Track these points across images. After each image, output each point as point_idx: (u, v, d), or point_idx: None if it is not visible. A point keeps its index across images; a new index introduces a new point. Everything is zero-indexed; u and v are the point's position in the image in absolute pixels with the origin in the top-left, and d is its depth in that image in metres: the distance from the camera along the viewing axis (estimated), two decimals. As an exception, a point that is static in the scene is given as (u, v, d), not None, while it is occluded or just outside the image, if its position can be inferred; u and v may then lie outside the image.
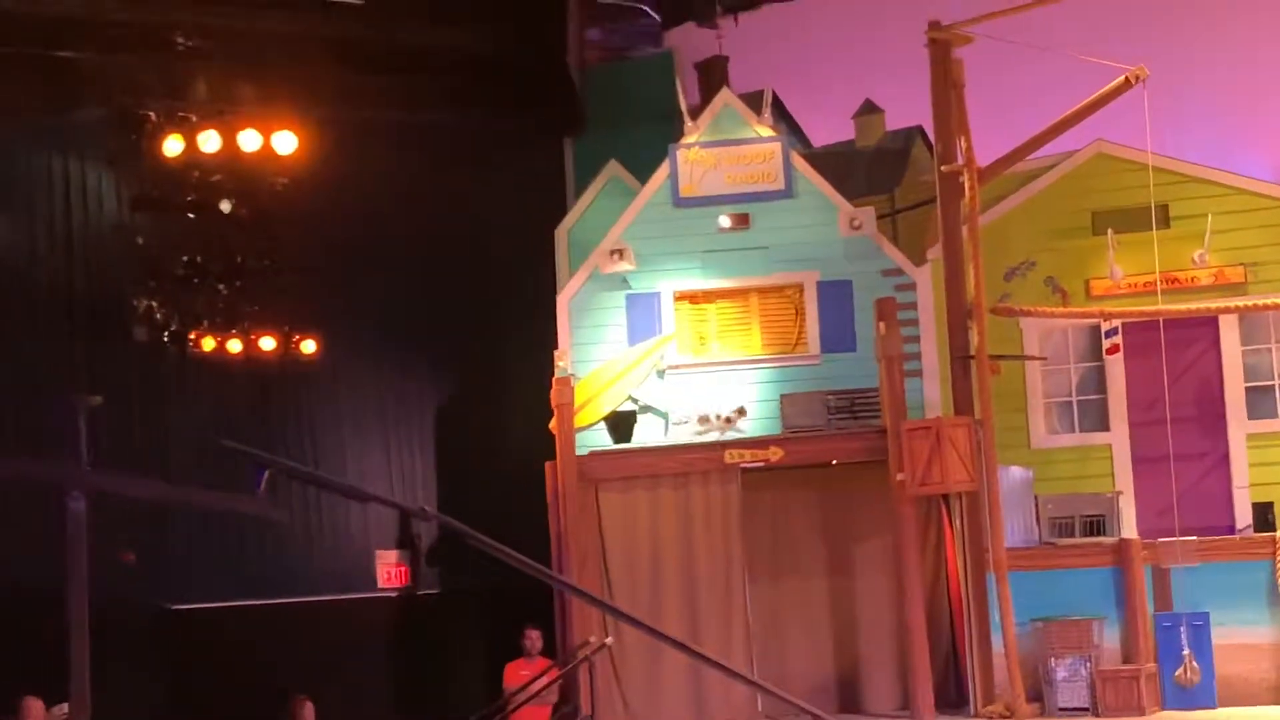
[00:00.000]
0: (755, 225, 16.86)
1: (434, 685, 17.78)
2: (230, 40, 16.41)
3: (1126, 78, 15.46)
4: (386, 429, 18.49)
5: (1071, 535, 15.65)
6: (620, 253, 16.72)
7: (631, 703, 15.82)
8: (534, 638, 16.21)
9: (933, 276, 16.64)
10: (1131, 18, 18.81)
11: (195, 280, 16.27)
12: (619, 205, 17.47)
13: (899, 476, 15.21)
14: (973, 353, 15.63)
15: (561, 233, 18.36)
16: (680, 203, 16.93)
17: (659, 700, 15.74)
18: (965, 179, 15.71)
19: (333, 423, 18.24)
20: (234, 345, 16.44)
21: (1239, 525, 16.34)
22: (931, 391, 16.49)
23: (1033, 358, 16.93)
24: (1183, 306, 16.02)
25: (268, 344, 16.62)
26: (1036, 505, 15.91)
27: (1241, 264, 16.73)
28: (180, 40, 16.07)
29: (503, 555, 4.77)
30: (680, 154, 16.95)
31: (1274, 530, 15.06)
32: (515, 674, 15.87)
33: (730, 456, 15.91)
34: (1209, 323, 16.80)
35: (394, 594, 18.15)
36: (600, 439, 16.47)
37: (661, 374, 16.72)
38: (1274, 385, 16.79)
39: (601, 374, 16.60)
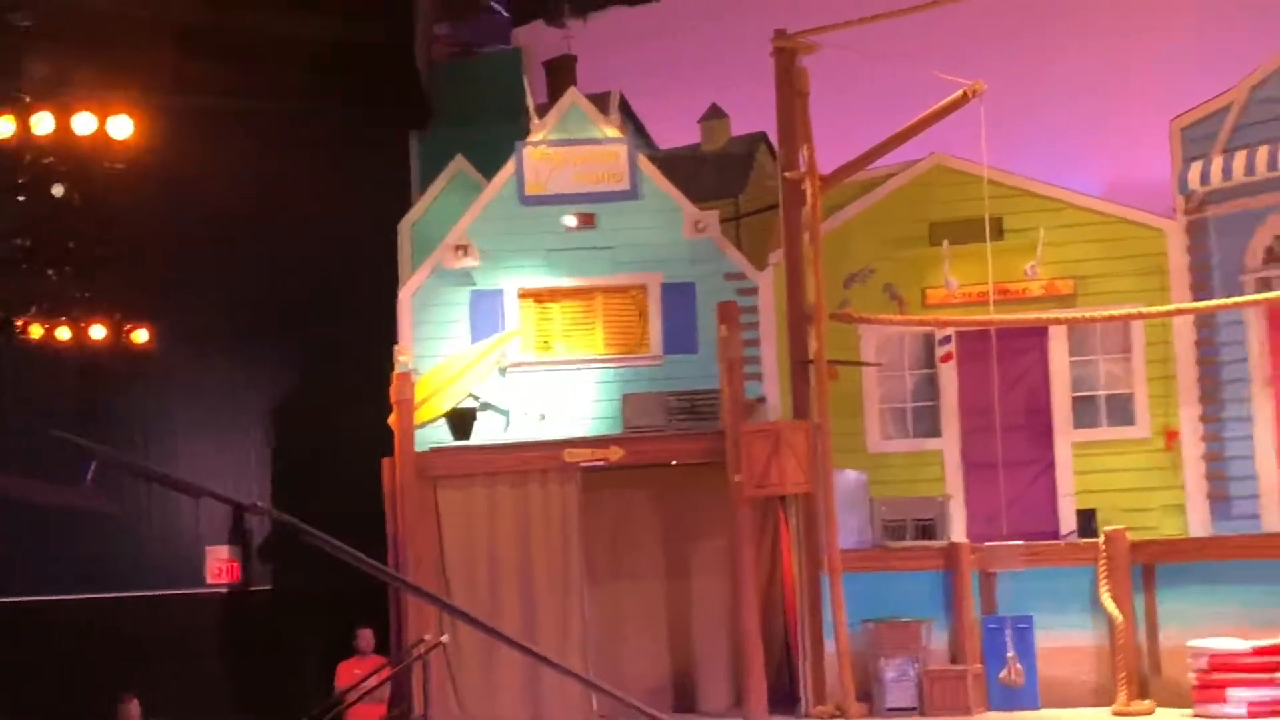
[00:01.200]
0: (600, 225, 16.91)
1: (265, 683, 17.55)
2: (69, 20, 16.05)
3: (964, 92, 15.77)
4: (221, 421, 18.22)
5: (903, 538, 15.92)
6: (464, 249, 16.67)
7: (466, 702, 15.75)
8: (366, 636, 16.07)
9: (774, 281, 16.82)
10: (974, 35, 19.20)
11: (24, 265, 15.88)
12: (464, 201, 17.40)
13: (736, 478, 15.35)
14: (812, 357, 15.82)
15: (405, 227, 18.23)
16: (526, 201, 16.91)
17: (494, 700, 15.69)
18: (807, 186, 15.91)
19: (165, 414, 17.93)
20: (63, 333, 16.08)
21: (1064, 531, 16.74)
22: (771, 394, 16.66)
23: (870, 364, 17.18)
24: (1014, 317, 16.38)
25: (98, 332, 16.28)
26: (871, 508, 16.16)
27: (1071, 277, 17.15)
28: (17, 19, 15.67)
29: (338, 552, 4.73)
30: (527, 152, 16.93)
31: (1097, 537, 15.46)
32: (348, 673, 15.73)
33: (570, 455, 15.92)
34: (1039, 333, 17.18)
35: (224, 590, 17.87)
36: (440, 435, 16.38)
37: (504, 371, 16.69)
38: (1099, 395, 17.24)
39: (443, 370, 16.52)
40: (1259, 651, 13.75)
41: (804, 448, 15.22)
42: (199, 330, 17.80)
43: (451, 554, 15.99)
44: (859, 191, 17.51)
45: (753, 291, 16.90)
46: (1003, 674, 14.87)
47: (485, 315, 16.76)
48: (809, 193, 15.88)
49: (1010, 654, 14.81)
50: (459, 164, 18.21)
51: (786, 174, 16.23)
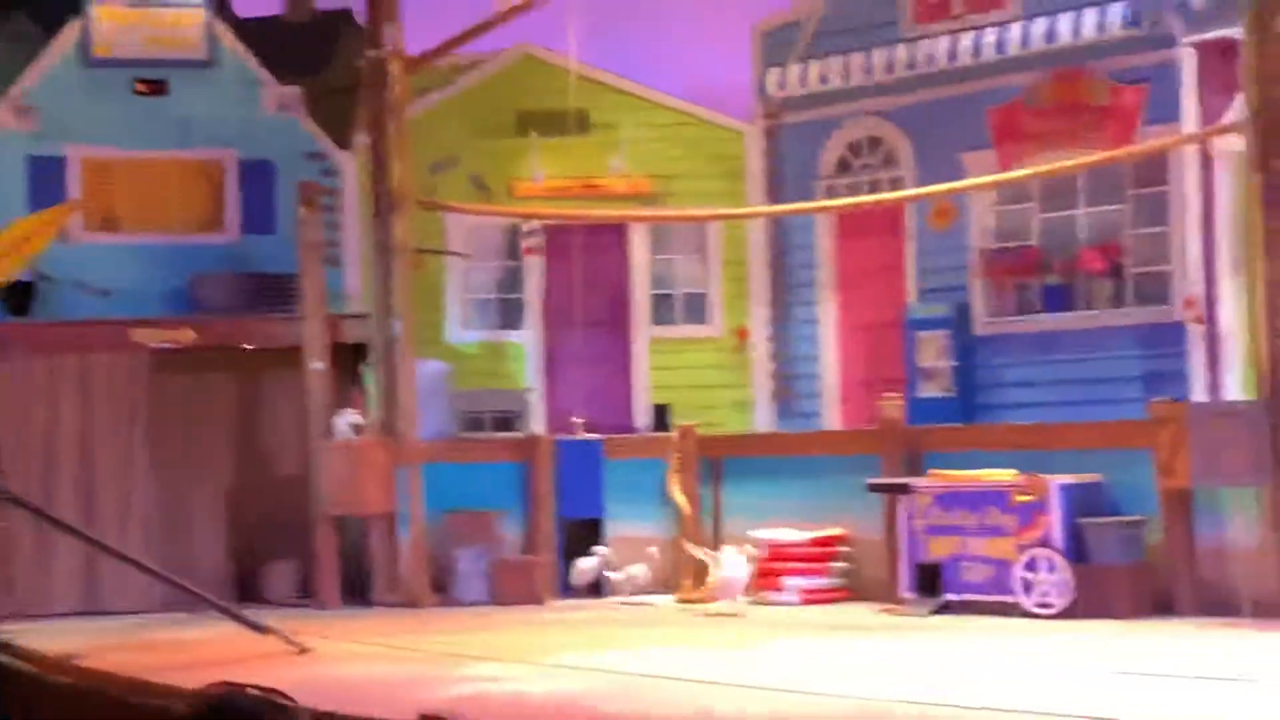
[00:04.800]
0: (173, 95, 16.11)
1: None
2: None
3: (556, -19, 15.65)
4: None
5: (483, 430, 15.88)
6: (22, 111, 15.60)
7: (21, 589, 14.93)
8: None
9: (358, 165, 16.41)
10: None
11: None
12: (23, 60, 16.25)
13: (314, 365, 15.00)
14: (395, 245, 15.51)
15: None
16: (93, 63, 15.92)
17: (49, 588, 14.95)
18: (393, 67, 15.51)
19: None
20: None
21: (639, 425, 17.06)
22: (352, 281, 16.32)
23: (455, 253, 17.02)
24: (598, 212, 16.47)
25: None
26: (451, 400, 16.04)
27: (654, 175, 17.36)
28: None
29: None
30: (95, 10, 15.92)
31: (669, 430, 15.78)
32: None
33: (137, 336, 15.20)
34: (622, 230, 17.37)
35: None
36: (-6, 310, 15.38)
37: (64, 244, 15.72)
38: (677, 294, 17.56)
39: (-3, 241, 15.45)
40: (814, 542, 14.34)
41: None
42: None
43: (4, 434, 15.06)
44: (448, 78, 17.22)
45: (336, 174, 16.46)
46: (577, 566, 15.08)
47: (45, 183, 15.74)
48: (395, 75, 15.50)
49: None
50: (22, 23, 16.99)
51: (371, 53, 15.77)
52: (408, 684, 10.03)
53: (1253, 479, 12.01)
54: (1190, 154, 14.51)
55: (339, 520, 15.20)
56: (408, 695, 9.28)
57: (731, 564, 13.85)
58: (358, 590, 15.14)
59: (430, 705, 7.83)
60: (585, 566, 14.96)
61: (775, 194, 17.35)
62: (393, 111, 15.55)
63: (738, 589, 13.57)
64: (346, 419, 15.33)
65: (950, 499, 13.22)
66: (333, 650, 11.67)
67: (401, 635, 12.64)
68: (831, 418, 16.91)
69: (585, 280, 16.81)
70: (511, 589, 14.79)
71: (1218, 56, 14.07)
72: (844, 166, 17.06)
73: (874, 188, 16.65)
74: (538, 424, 16.57)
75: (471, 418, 16.28)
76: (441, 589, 14.94)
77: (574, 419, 15.79)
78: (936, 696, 9.07)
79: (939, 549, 13.27)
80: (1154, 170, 14.91)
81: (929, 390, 15.95)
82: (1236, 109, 12.92)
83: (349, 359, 15.83)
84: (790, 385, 17.35)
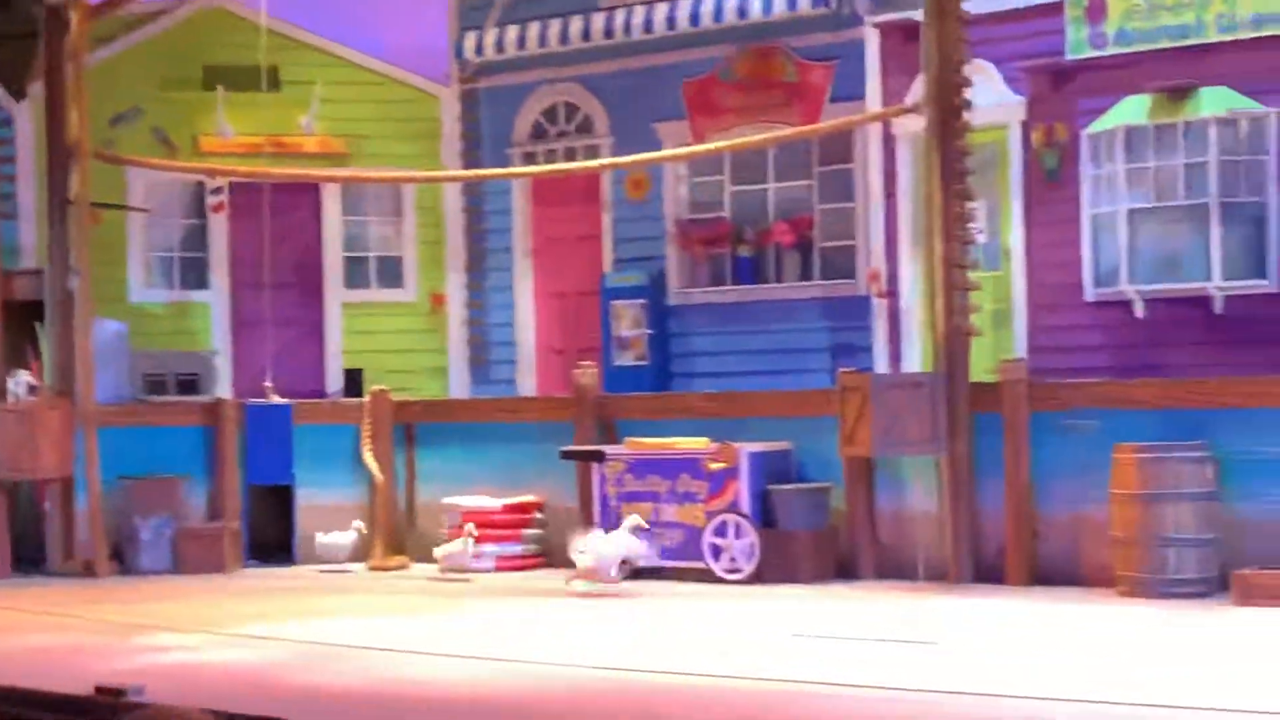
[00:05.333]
0: None
1: None
2: None
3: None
4: None
5: (165, 393, 15.38)
6: None
7: None
8: None
9: (34, 115, 15.68)
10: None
11: None
12: None
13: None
14: (73, 199, 14.85)
15: None
16: None
17: None
18: (73, 14, 14.83)
19: None
20: None
21: (331, 390, 16.77)
22: (28, 236, 15.61)
23: (136, 209, 16.43)
24: (289, 171, 16.08)
25: None
26: (131, 361, 15.48)
27: (347, 135, 17.06)
28: None
29: None
30: None
31: (362, 396, 15.55)
32: None
33: None
34: (313, 190, 17.03)
35: None
36: None
37: None
38: (370, 257, 17.31)
39: None
40: (508, 509, 14.32)
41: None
42: None
43: None
44: (130, 26, 16.58)
45: (9, 123, 15.69)
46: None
47: None
48: (74, 21, 14.81)
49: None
50: None
51: (49, -1, 15.05)
52: (82, 654, 9.66)
53: (930, 448, 12.46)
54: (874, 133, 14.97)
55: (11, 485, 14.51)
56: (83, 666, 8.91)
57: (607, 540, 12.58)
58: (32, 560, 14.50)
59: (106, 676, 7.56)
60: (340, 542, 14.40)
61: (470, 158, 17.26)
62: (71, 60, 14.86)
63: (610, 565, 12.47)
64: (20, 380, 14.69)
65: (643, 466, 13.36)
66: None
67: (77, 605, 12.17)
68: (527, 385, 16.93)
69: (275, 240, 16.41)
70: (195, 558, 14.37)
71: (900, 37, 14.54)
72: (540, 133, 17.07)
73: (570, 155, 16.71)
74: (224, 387, 16.12)
75: (154, 380, 15.72)
76: (122, 558, 14.42)
77: (262, 383, 15.41)
78: (622, 661, 9.17)
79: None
80: (840, 147, 15.33)
81: (624, 359, 16.12)
82: (917, 90, 13.34)
83: (23, 317, 15.14)
84: (486, 352, 17.30)
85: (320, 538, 14.41)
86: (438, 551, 13.94)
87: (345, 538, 14.40)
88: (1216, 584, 11.23)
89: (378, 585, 13.65)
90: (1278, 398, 11.45)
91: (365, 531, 14.47)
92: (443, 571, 13.78)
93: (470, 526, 13.75)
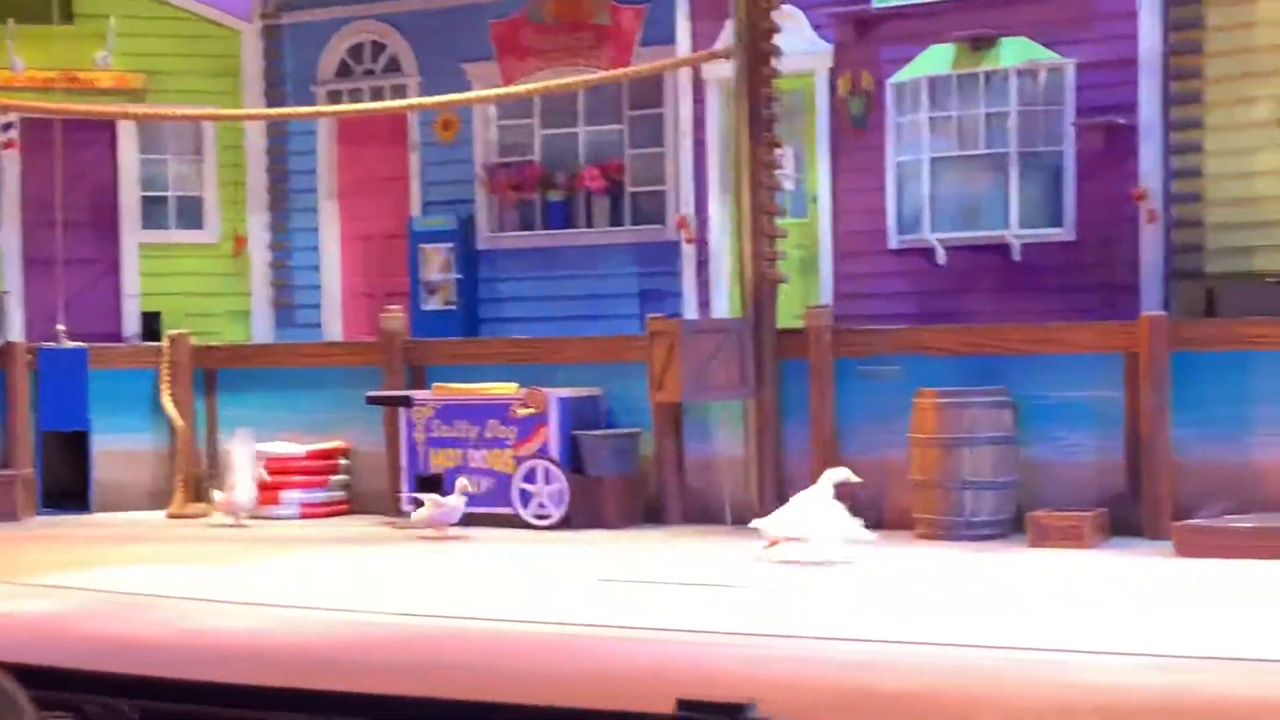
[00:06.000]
0: None
1: None
2: None
3: None
4: None
5: (-47, 336, 14.83)
6: None
7: None
8: None
9: None
10: None
11: None
12: None
13: None
14: None
15: None
16: None
17: None
18: None
19: None
20: None
21: (127, 334, 16.33)
22: None
23: (-80, 145, 15.78)
24: (83, 107, 15.53)
25: None
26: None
27: (144, 71, 16.56)
28: None
29: None
30: None
31: (160, 340, 15.17)
32: None
33: None
34: (108, 127, 16.52)
35: None
36: None
37: None
38: (169, 196, 16.87)
39: None
40: (313, 455, 14.12)
41: None
42: None
43: None
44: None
45: None
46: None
47: None
48: None
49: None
50: None
51: None
52: None
53: (737, 393, 12.56)
54: (684, 78, 14.98)
55: None
56: None
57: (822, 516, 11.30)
58: None
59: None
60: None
61: (274, 97, 16.89)
62: None
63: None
64: None
65: (451, 412, 13.25)
66: None
67: None
68: (333, 329, 16.70)
69: (68, 179, 15.89)
70: (-12, 505, 13.93)
71: (711, -18, 14.54)
72: (345, 72, 16.77)
73: (377, 95, 16.46)
74: (14, 330, 15.60)
75: (-60, 323, 15.16)
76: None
77: (55, 326, 14.93)
78: (430, 608, 9.11)
79: (440, 461, 13.30)
80: (650, 92, 15.31)
81: (432, 303, 15.97)
82: (727, 35, 13.35)
83: None
84: (290, 295, 17.01)
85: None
86: (218, 496, 13.63)
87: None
88: (1012, 526, 11.52)
89: (176, 533, 13.35)
90: (1072, 344, 11.76)
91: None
92: (225, 515, 13.48)
93: (260, 470, 13.50)
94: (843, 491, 10.84)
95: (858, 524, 10.69)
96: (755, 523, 10.98)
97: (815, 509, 10.70)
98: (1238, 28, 12.98)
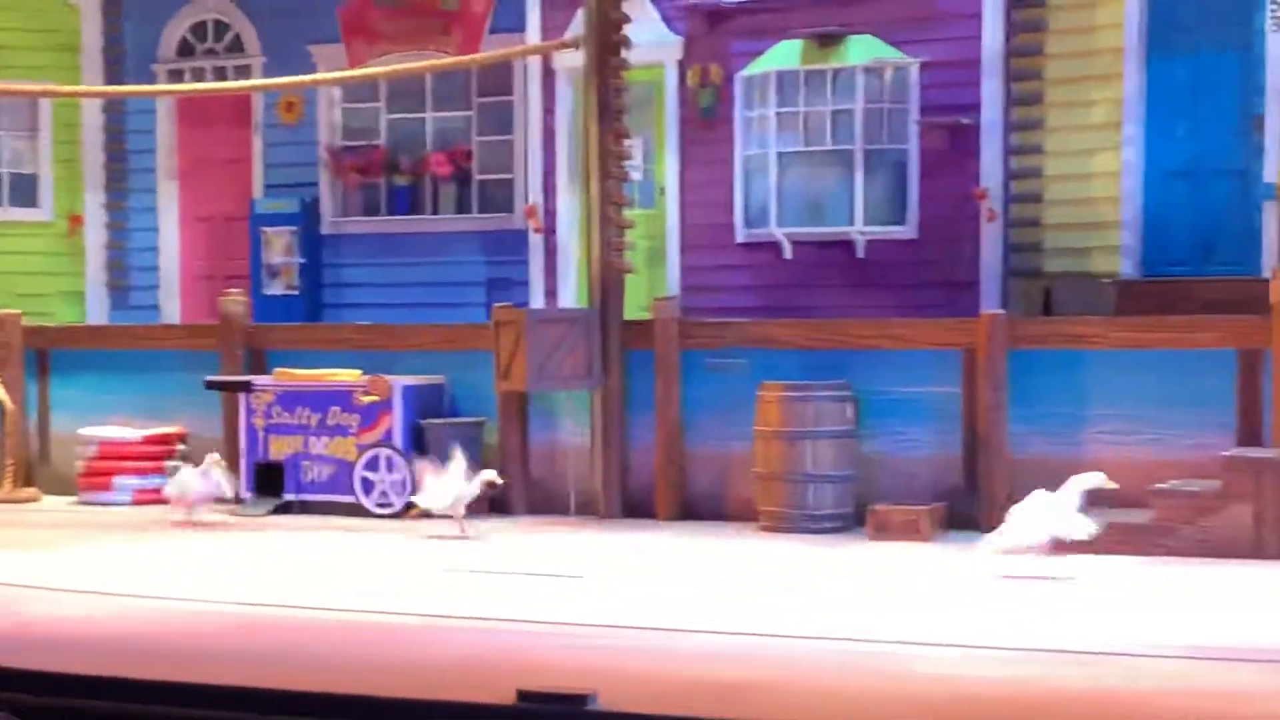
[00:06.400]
0: None
1: None
2: None
3: None
4: None
5: None
6: None
7: None
8: None
9: None
10: None
11: None
12: None
13: None
14: None
15: None
16: None
17: None
18: None
19: None
20: None
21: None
22: None
23: None
24: None
25: None
26: None
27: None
28: None
29: None
30: None
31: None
32: None
33: None
34: (-60, 102, 16.04)
35: None
36: None
37: None
38: (2, 173, 16.42)
39: None
40: (149, 440, 13.84)
41: None
42: None
43: None
44: None
45: None
46: None
47: None
48: None
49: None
50: None
51: None
52: None
53: (583, 383, 12.54)
54: (534, 66, 14.91)
55: None
56: None
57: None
58: None
59: None
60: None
61: (113, 74, 16.52)
62: None
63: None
64: None
65: (293, 398, 13.06)
66: None
67: None
68: (171, 312, 16.38)
69: (-104, 153, 15.40)
70: None
71: (562, -30, 14.49)
72: (187, 50, 16.46)
73: (220, 75, 16.17)
74: None
75: None
76: None
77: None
78: (267, 597, 8.98)
79: (280, 448, 13.11)
80: (500, 79, 15.22)
81: (274, 288, 15.75)
82: (577, 24, 13.32)
83: None
84: (126, 277, 16.66)
85: None
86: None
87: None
88: (853, 519, 11.65)
89: (4, 518, 12.99)
90: (913, 340, 11.91)
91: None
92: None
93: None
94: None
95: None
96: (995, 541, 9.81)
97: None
98: (1077, 31, 13.24)
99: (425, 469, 11.76)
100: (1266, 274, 11.39)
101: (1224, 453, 10.65)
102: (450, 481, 11.56)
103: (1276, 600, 9.02)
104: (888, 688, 6.84)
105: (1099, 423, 11.37)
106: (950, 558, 10.48)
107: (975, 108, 13.47)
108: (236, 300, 13.96)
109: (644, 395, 12.52)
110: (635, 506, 12.48)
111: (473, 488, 11.57)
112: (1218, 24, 12.73)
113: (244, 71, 16.03)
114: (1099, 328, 11.54)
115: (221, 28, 16.31)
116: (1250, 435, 10.91)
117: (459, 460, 11.57)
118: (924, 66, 13.53)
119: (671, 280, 14.39)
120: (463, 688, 6.31)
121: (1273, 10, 12.36)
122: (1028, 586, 9.41)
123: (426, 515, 11.66)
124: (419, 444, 12.73)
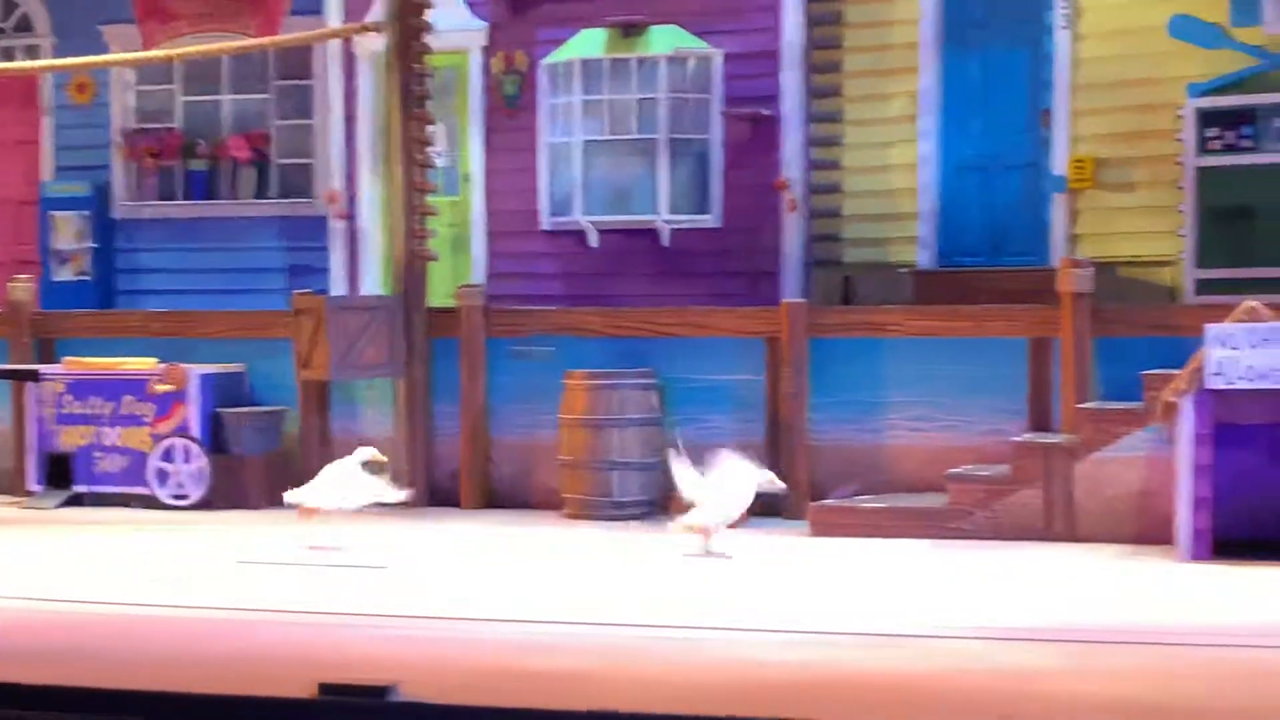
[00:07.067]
0: None
1: None
2: None
3: None
4: None
5: None
6: None
7: None
8: None
9: None
10: None
11: None
12: None
13: None
14: None
15: None
16: None
17: None
18: None
19: None
20: None
21: None
22: None
23: None
24: None
25: None
26: None
27: None
28: None
29: None
30: None
31: None
32: None
33: None
34: None
35: None
36: None
37: None
38: None
39: None
40: (-68, 432, 13.37)
41: None
42: None
43: None
44: None
45: None
46: None
47: None
48: None
49: None
50: None
51: None
52: None
53: (387, 372, 12.41)
54: (335, 49, 14.70)
55: None
56: None
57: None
58: None
59: None
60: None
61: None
62: None
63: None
64: None
65: (84, 387, 12.71)
66: None
67: None
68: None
69: None
70: None
71: (362, -46, 14.31)
72: (23, 24, 15.91)
73: (8, 55, 15.69)
74: None
75: None
76: None
77: None
78: (59, 593, 8.77)
79: (71, 439, 12.75)
80: (299, 62, 14.99)
81: (64, 273, 15.33)
82: (378, 8, 13.17)
83: None
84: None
85: None
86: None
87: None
88: (658, 506, 11.71)
89: None
90: (717, 328, 12.02)
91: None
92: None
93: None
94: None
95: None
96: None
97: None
98: (874, 25, 13.47)
99: (688, 475, 9.97)
100: (1055, 264, 11.72)
101: (1015, 438, 10.94)
102: (728, 490, 9.87)
103: (1064, 581, 9.29)
104: (691, 674, 6.88)
105: (897, 409, 11.59)
106: (752, 542, 10.50)
107: (776, 99, 13.62)
108: (23, 286, 13.54)
109: (449, 383, 12.44)
110: (440, 495, 12.40)
111: (748, 493, 9.93)
112: (1010, 20, 13.08)
113: (33, 52, 15.56)
114: (897, 316, 11.77)
115: (10, 7, 15.83)
116: (1040, 421, 11.21)
117: (734, 462, 9.91)
118: (727, 57, 13.64)
119: (477, 268, 14.32)
120: (264, 682, 6.20)
121: (1062, 8, 12.73)
122: (817, 569, 9.55)
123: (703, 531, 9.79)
124: (217, 434, 12.49)
